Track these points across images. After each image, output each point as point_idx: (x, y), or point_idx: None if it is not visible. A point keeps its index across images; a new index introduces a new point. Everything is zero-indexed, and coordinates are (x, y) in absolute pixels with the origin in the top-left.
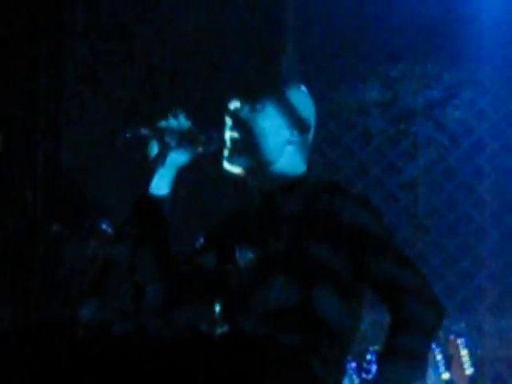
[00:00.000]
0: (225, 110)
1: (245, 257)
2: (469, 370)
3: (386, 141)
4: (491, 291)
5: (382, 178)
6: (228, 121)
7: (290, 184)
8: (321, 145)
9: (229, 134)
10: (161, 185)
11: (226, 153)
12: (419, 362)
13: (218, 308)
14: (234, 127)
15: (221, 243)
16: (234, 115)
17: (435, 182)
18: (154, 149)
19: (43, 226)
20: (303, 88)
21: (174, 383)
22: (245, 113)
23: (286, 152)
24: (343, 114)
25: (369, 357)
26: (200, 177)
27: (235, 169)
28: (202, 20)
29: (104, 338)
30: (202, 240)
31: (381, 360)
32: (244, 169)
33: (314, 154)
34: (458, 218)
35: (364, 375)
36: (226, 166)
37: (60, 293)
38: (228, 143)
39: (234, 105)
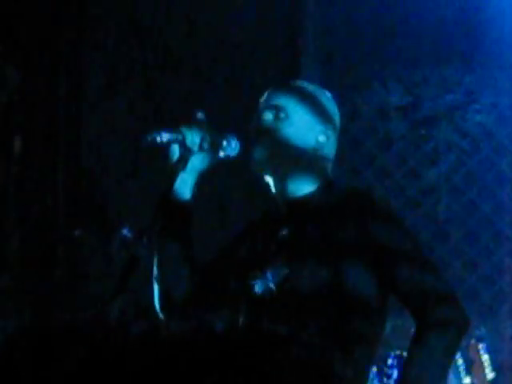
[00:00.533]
0: (245, 114)
1: (275, 270)
2: (490, 375)
3: (407, 145)
4: None
5: (402, 182)
6: (253, 130)
7: (317, 190)
8: (342, 149)
9: (254, 143)
10: (182, 190)
11: (252, 161)
12: (445, 362)
13: (241, 316)
14: (259, 136)
15: (247, 251)
16: (259, 124)
17: (456, 187)
18: (176, 153)
19: (64, 230)
20: (327, 93)
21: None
22: (269, 121)
23: (312, 158)
24: (364, 119)
25: (390, 361)
26: (220, 182)
27: (262, 176)
28: (221, 23)
29: (124, 337)
30: (228, 247)
31: (406, 362)
32: (271, 176)
33: (334, 158)
34: (478, 222)
35: (385, 380)
36: (253, 173)
37: (81, 296)
38: (254, 151)
39: (258, 114)
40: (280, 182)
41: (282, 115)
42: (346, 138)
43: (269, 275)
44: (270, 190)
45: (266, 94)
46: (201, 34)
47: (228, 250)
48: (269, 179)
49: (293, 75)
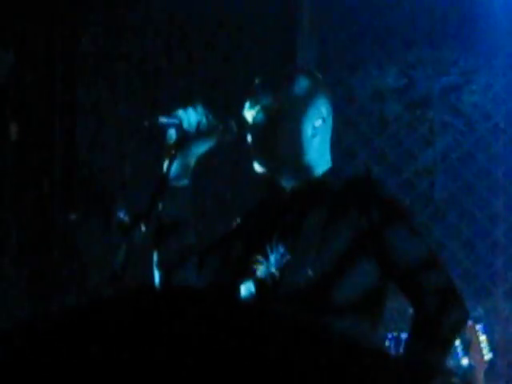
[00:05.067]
0: (241, 95)
1: (278, 256)
2: (488, 356)
3: (403, 127)
4: (509, 276)
5: (398, 164)
6: (248, 123)
7: (320, 177)
8: (337, 131)
9: (250, 136)
10: (180, 174)
11: (256, 165)
12: (442, 353)
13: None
14: (254, 128)
15: (250, 236)
16: (253, 116)
17: (452, 168)
18: (173, 137)
19: (60, 214)
20: (316, 74)
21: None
22: (264, 122)
23: (311, 145)
24: (359, 100)
25: (387, 343)
26: (216, 166)
27: (261, 169)
28: (218, 6)
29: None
30: (229, 230)
31: (405, 353)
32: (270, 169)
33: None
34: (474, 203)
35: None
36: (256, 167)
37: (77, 282)
38: (251, 145)
39: (251, 106)
40: (283, 172)
41: (275, 112)
42: (341, 120)
43: (271, 260)
44: (273, 178)
45: (255, 90)
46: (196, 13)
47: (230, 235)
48: (269, 171)
49: (288, 57)
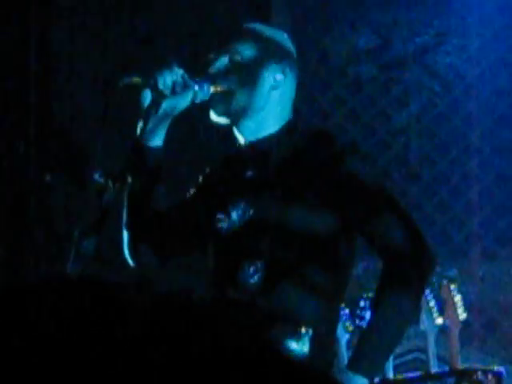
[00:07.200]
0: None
1: (238, 208)
2: (462, 315)
3: (377, 88)
4: (483, 236)
5: (372, 125)
6: (209, 73)
7: (278, 132)
8: (311, 92)
9: (211, 86)
10: (154, 135)
11: (211, 104)
12: (412, 299)
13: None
14: (215, 79)
15: (211, 193)
16: (213, 67)
17: (426, 129)
18: (148, 98)
19: (35, 175)
20: (282, 32)
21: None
22: (224, 66)
23: (271, 98)
24: (333, 61)
25: (362, 303)
26: (189, 126)
27: (222, 119)
28: None
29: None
30: (192, 190)
31: (375, 301)
32: (230, 119)
33: (304, 101)
34: (449, 164)
35: (358, 322)
36: (213, 116)
37: (53, 243)
38: (213, 95)
39: (212, 57)
40: (241, 124)
41: (237, 58)
42: (316, 81)
43: (234, 217)
44: (233, 132)
45: (220, 39)
46: None
47: (193, 194)
48: (228, 122)
49: (263, 18)
